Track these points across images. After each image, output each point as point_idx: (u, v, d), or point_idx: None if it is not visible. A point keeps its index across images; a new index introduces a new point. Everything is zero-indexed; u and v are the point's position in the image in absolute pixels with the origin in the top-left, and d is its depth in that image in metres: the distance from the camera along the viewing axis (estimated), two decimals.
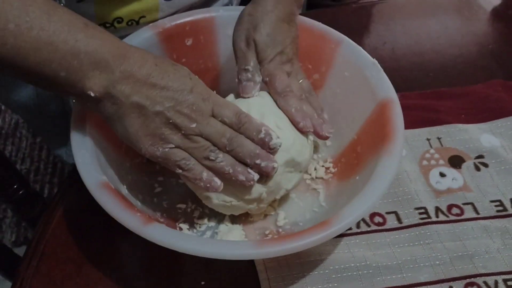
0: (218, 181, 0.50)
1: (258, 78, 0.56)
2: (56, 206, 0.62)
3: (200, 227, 0.58)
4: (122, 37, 0.62)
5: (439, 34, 0.86)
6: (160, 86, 0.47)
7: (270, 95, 0.56)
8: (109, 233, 0.57)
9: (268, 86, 0.56)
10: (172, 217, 0.59)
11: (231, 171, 0.50)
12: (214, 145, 0.50)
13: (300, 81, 0.58)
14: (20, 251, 0.96)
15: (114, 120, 0.49)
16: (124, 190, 0.55)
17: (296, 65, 0.59)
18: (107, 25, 0.67)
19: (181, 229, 0.57)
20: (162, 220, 0.58)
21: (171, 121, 0.48)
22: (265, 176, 0.52)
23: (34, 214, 0.97)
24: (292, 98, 0.55)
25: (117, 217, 0.47)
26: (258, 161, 0.50)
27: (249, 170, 0.51)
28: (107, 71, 0.46)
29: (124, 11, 0.67)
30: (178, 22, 0.64)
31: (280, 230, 0.58)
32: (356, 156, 0.60)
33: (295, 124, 0.54)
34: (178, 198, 0.61)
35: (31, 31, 0.42)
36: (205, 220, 0.59)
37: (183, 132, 0.49)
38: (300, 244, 0.45)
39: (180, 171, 0.50)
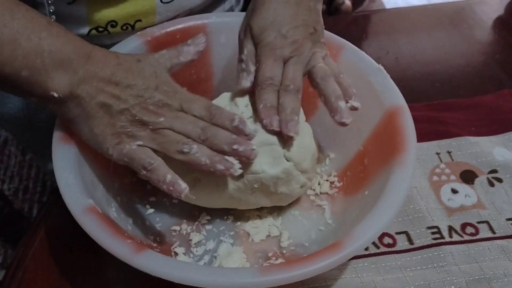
0: (182, 184, 0.47)
1: (253, 67, 0.53)
2: (38, 227, 0.58)
3: (197, 251, 0.54)
4: (115, 44, 0.60)
5: (444, 44, 0.83)
6: (124, 84, 0.46)
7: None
8: (95, 257, 0.53)
9: None
10: (167, 241, 0.55)
11: (207, 161, 0.47)
12: (187, 137, 0.47)
13: (312, 66, 0.54)
14: None
15: (79, 122, 0.48)
16: (113, 213, 0.51)
17: (307, 52, 0.54)
18: (100, 29, 0.63)
19: (176, 254, 0.53)
20: (155, 244, 0.54)
21: (137, 118, 0.46)
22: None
23: (19, 236, 0.93)
24: (267, 91, 0.51)
25: (105, 246, 0.43)
26: (235, 146, 0.47)
27: (227, 157, 0.47)
28: (70, 70, 0.45)
29: (118, 14, 0.63)
30: (168, 30, 0.61)
31: (284, 251, 0.54)
32: (363, 169, 0.56)
33: (259, 121, 0.51)
34: (172, 220, 0.57)
35: None
36: (202, 243, 0.55)
37: (150, 127, 0.47)
38: (309, 270, 0.41)
39: (143, 172, 0.47)
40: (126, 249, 0.42)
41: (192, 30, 0.61)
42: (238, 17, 0.61)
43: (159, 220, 0.57)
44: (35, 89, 0.45)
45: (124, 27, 0.64)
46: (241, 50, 0.54)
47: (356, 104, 0.52)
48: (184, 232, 0.56)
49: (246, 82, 0.52)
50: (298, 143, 0.51)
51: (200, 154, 0.47)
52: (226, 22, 0.61)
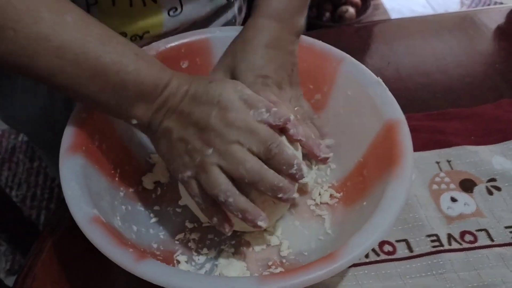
0: (227, 228, 0.50)
1: None
2: (47, 236, 0.58)
3: (199, 259, 0.55)
4: None
5: (444, 54, 0.84)
6: (187, 112, 0.48)
7: None
8: (103, 266, 0.53)
9: None
10: (170, 249, 0.56)
11: (239, 216, 0.47)
12: (231, 175, 0.47)
13: (296, 108, 0.57)
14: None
15: (153, 141, 0.51)
16: (117, 222, 0.52)
17: (289, 92, 0.57)
18: None
19: (178, 262, 0.54)
20: (158, 253, 0.55)
21: (189, 146, 0.47)
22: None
23: (28, 243, 0.94)
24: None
25: (108, 254, 0.44)
26: (280, 195, 0.47)
27: (259, 211, 0.47)
28: (149, 101, 0.48)
29: (128, 27, 0.65)
30: (173, 44, 0.62)
31: (284, 260, 0.55)
32: (363, 180, 0.57)
33: None
34: (175, 229, 0.57)
35: (87, 61, 0.45)
36: (204, 252, 0.55)
37: (198, 160, 0.47)
38: (306, 279, 0.42)
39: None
40: (128, 257, 0.43)
41: (196, 45, 0.63)
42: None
43: (163, 229, 0.57)
44: (121, 115, 0.50)
45: (133, 38, 0.66)
46: None
47: (329, 142, 0.59)
48: (187, 240, 0.56)
49: None
50: None
51: (234, 207, 0.47)
52: (229, 37, 0.62)
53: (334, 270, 0.42)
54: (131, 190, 0.59)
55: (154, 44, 0.62)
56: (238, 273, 0.53)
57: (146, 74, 0.47)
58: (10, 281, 0.83)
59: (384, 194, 0.48)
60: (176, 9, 0.67)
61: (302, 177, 0.47)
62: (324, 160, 0.55)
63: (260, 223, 0.47)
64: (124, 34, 0.66)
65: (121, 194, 0.57)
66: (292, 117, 0.49)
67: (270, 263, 0.54)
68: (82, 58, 0.45)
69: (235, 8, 0.77)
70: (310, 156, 0.56)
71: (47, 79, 0.46)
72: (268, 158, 0.47)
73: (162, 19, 0.66)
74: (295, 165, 0.47)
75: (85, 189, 0.49)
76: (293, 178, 0.47)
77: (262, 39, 0.57)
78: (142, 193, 0.59)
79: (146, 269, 0.43)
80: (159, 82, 0.48)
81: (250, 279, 0.43)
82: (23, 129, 0.87)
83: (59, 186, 1.46)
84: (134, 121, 0.49)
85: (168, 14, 0.66)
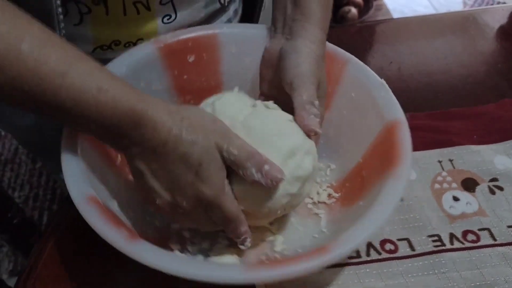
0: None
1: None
2: (49, 236, 0.58)
3: (192, 249, 0.55)
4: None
5: (446, 54, 0.84)
6: (160, 162, 0.46)
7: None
8: (104, 265, 0.54)
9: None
10: (164, 237, 0.56)
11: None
12: None
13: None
14: None
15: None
16: (114, 206, 0.52)
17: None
18: (105, 47, 0.65)
19: (172, 250, 0.54)
20: (153, 239, 0.54)
21: (159, 199, 0.48)
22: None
23: (30, 243, 0.94)
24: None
25: (101, 232, 0.44)
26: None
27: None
28: (115, 141, 0.46)
29: (122, 34, 0.65)
30: (180, 38, 0.62)
31: (277, 255, 0.55)
32: (361, 181, 0.57)
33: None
34: None
35: (44, 97, 0.42)
36: (198, 242, 0.56)
37: (167, 210, 0.49)
38: (292, 270, 0.42)
39: None
40: (120, 237, 0.43)
41: (204, 39, 0.63)
42: (248, 28, 0.64)
43: (159, 217, 0.58)
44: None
45: (127, 45, 0.66)
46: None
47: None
48: (182, 230, 0.57)
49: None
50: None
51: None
52: (236, 33, 0.62)
53: (322, 263, 0.42)
54: (131, 177, 0.59)
55: (162, 36, 0.62)
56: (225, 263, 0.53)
57: (110, 113, 0.43)
58: (12, 282, 0.83)
59: (379, 193, 0.48)
60: (170, 16, 0.67)
61: (242, 243, 0.50)
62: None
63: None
64: (117, 42, 0.66)
65: (121, 180, 0.57)
66: (283, 177, 0.48)
67: (263, 258, 0.54)
68: (38, 92, 0.41)
69: (230, 12, 0.77)
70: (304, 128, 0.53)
71: (16, 107, 0.45)
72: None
73: (156, 26, 0.66)
74: (241, 240, 0.50)
75: (84, 170, 0.49)
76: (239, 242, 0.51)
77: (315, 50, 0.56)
78: None
79: (137, 249, 0.43)
80: (128, 120, 0.44)
81: (236, 267, 0.44)
82: (18, 135, 0.87)
83: (61, 187, 1.47)
84: (108, 147, 0.49)
85: (162, 21, 0.66)
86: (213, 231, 0.52)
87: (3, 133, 1.78)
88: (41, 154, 0.88)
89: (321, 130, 0.52)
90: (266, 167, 0.47)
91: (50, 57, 0.42)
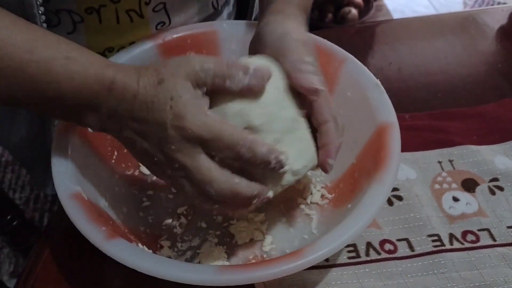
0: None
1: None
2: (48, 237, 0.59)
3: (182, 246, 0.56)
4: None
5: (446, 54, 0.84)
6: (141, 120, 0.43)
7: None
8: (102, 266, 0.54)
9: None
10: (155, 233, 0.56)
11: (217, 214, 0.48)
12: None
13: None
14: None
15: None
16: (103, 202, 0.53)
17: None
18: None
19: (162, 246, 0.55)
20: (144, 235, 0.55)
21: (155, 159, 0.44)
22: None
23: (29, 245, 0.94)
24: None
25: (81, 230, 0.45)
26: (254, 201, 0.45)
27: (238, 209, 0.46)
28: (95, 109, 0.44)
29: (115, 42, 0.66)
30: (179, 35, 0.63)
31: (265, 256, 0.55)
32: (353, 182, 0.56)
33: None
34: (164, 214, 0.58)
35: (15, 73, 0.41)
36: (189, 239, 0.56)
37: (168, 172, 0.44)
38: (266, 274, 0.42)
39: None
40: (98, 235, 0.44)
41: (203, 36, 0.63)
42: (248, 25, 0.64)
43: (153, 213, 0.58)
44: (76, 123, 0.47)
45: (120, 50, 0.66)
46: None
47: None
48: (173, 227, 0.57)
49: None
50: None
51: (216, 211, 0.46)
52: (236, 30, 0.62)
53: (297, 267, 0.42)
54: (127, 173, 0.60)
55: (160, 33, 0.62)
56: (217, 264, 0.53)
57: (81, 81, 0.42)
58: (13, 283, 0.83)
59: (362, 197, 0.48)
60: (164, 23, 0.67)
61: (282, 166, 0.44)
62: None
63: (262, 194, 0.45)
64: (111, 49, 0.66)
65: (116, 176, 0.57)
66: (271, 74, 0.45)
67: (250, 257, 0.55)
68: (9, 73, 0.41)
69: (224, 15, 0.77)
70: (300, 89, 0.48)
71: None
72: (241, 163, 0.43)
73: (150, 33, 0.66)
74: (272, 160, 0.43)
75: (72, 167, 0.50)
76: (273, 171, 0.44)
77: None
78: (138, 177, 0.60)
79: (113, 248, 0.44)
80: (99, 87, 0.43)
81: (210, 268, 0.43)
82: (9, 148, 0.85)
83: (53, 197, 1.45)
84: (90, 130, 0.46)
85: (156, 28, 0.66)
86: (228, 191, 0.43)
87: None
88: (29, 168, 0.87)
89: (324, 86, 0.47)
90: (252, 66, 0.43)
91: (16, 35, 0.42)
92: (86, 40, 0.63)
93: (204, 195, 0.44)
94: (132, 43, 0.65)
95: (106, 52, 0.66)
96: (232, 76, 0.42)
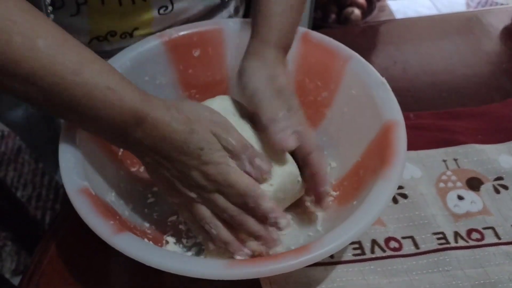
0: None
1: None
2: (54, 234, 0.59)
3: (187, 242, 0.56)
4: (116, 50, 0.62)
5: (451, 54, 0.84)
6: (167, 156, 0.47)
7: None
8: (108, 262, 0.55)
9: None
10: (161, 230, 0.56)
11: (223, 246, 0.50)
12: (215, 214, 0.50)
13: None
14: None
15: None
16: (110, 197, 0.53)
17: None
18: (100, 38, 0.66)
19: (167, 242, 0.55)
20: (149, 231, 0.55)
21: (174, 186, 0.49)
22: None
23: (33, 242, 0.94)
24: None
25: (89, 224, 0.45)
26: (261, 242, 0.50)
27: (239, 246, 0.50)
28: (122, 138, 0.47)
29: (118, 25, 0.66)
30: (186, 32, 0.63)
31: (271, 252, 0.54)
32: (358, 180, 0.56)
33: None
34: (169, 211, 0.58)
35: (58, 93, 0.44)
36: (194, 235, 0.56)
37: (183, 198, 0.50)
38: (273, 268, 0.42)
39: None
40: (106, 229, 0.45)
41: (209, 34, 0.64)
42: None
43: (158, 209, 0.58)
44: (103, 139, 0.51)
45: (123, 36, 0.67)
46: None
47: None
48: (179, 223, 0.57)
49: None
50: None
51: (218, 238, 0.50)
52: (242, 28, 0.62)
53: (305, 262, 0.43)
54: (132, 169, 0.60)
55: (167, 30, 0.63)
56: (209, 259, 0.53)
57: (117, 111, 0.45)
58: (15, 281, 0.83)
59: (368, 195, 0.48)
60: (167, 8, 0.67)
61: (280, 228, 0.49)
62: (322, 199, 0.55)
63: (240, 254, 0.50)
64: (113, 33, 0.66)
65: (122, 172, 0.57)
66: (271, 170, 0.51)
67: (256, 253, 0.54)
68: (52, 88, 0.43)
69: (231, 8, 0.77)
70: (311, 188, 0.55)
71: (24, 102, 0.46)
72: (246, 210, 0.49)
73: (152, 17, 0.67)
74: (271, 219, 0.49)
75: (79, 162, 0.50)
76: (273, 227, 0.50)
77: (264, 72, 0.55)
78: (144, 174, 0.60)
79: (121, 242, 0.44)
80: (130, 121, 0.46)
81: (218, 262, 0.44)
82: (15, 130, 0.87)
83: (63, 187, 1.47)
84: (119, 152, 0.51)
85: (158, 12, 0.67)
86: (240, 226, 0.50)
87: (6, 132, 1.79)
88: (36, 151, 0.89)
89: (295, 142, 0.52)
90: (257, 160, 0.49)
91: (65, 55, 0.43)
92: (89, 23, 0.64)
93: (211, 219, 0.50)
94: (135, 29, 0.66)
95: (109, 36, 0.66)
96: (240, 160, 0.49)
